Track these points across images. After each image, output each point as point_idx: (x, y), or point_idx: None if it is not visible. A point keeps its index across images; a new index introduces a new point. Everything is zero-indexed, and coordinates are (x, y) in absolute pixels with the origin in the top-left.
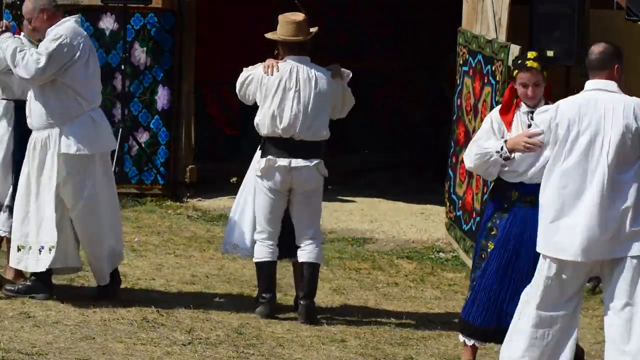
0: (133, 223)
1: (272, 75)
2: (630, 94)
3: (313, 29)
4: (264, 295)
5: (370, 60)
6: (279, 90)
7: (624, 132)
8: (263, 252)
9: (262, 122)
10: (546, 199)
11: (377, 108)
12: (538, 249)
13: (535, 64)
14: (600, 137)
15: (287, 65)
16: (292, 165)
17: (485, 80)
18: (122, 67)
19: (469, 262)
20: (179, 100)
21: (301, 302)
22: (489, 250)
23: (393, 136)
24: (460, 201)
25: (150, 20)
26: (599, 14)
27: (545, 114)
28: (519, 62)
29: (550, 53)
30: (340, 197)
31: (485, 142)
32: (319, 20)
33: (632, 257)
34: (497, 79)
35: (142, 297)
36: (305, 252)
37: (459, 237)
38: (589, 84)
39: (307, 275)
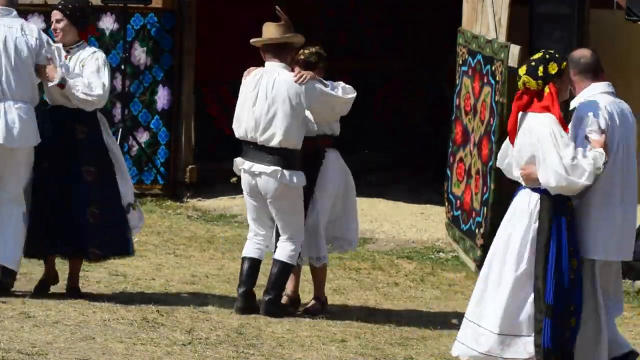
0: None
1: (245, 79)
2: (631, 94)
3: (288, 35)
4: (238, 289)
5: (370, 60)
6: (243, 93)
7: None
8: (248, 248)
9: (233, 125)
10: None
11: (377, 108)
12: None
13: None
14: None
15: (259, 70)
16: (253, 169)
17: (485, 80)
18: (122, 67)
19: (469, 262)
20: (179, 100)
21: (263, 296)
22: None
23: (393, 136)
24: (458, 201)
25: (150, 20)
26: (599, 14)
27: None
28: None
29: None
30: None
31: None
32: (319, 20)
33: None
34: (497, 79)
35: (142, 297)
36: (278, 250)
37: (458, 237)
38: (606, 86)
39: (274, 271)
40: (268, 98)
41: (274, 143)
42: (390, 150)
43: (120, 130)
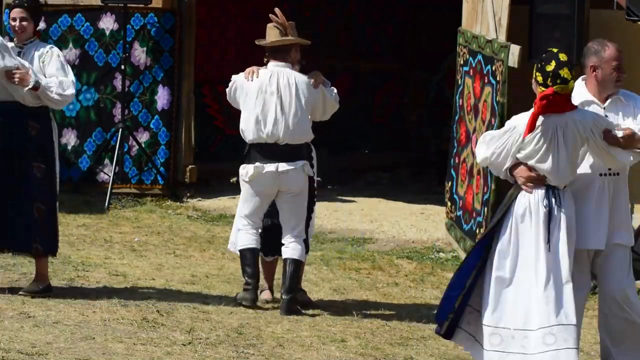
0: (133, 223)
1: (252, 81)
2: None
3: (292, 37)
4: (248, 281)
5: (370, 60)
6: (260, 95)
7: None
8: (247, 239)
9: (247, 128)
10: None
11: (377, 108)
12: None
13: None
14: None
15: (268, 71)
16: (280, 169)
17: (486, 80)
18: (122, 67)
19: None
20: (179, 100)
21: (283, 296)
22: None
23: (393, 136)
24: (461, 201)
25: (150, 20)
26: (599, 14)
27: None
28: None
29: None
30: (340, 197)
31: None
32: (319, 21)
33: None
34: (498, 79)
35: (142, 297)
36: (289, 249)
37: (459, 237)
38: None
39: (290, 271)
40: (293, 100)
41: (302, 141)
42: (390, 150)
43: (120, 130)
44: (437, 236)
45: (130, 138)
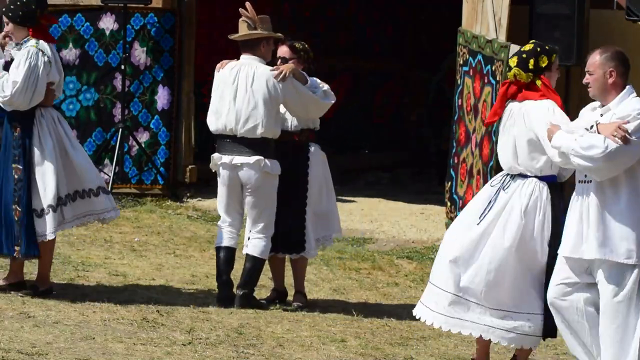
0: (133, 223)
1: (218, 72)
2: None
3: (260, 31)
4: (218, 279)
5: (370, 60)
6: (220, 86)
7: None
8: (221, 237)
9: (209, 119)
10: None
11: (377, 108)
12: None
13: None
14: None
15: (234, 64)
16: (234, 162)
17: (486, 80)
18: (122, 67)
19: None
20: (179, 100)
21: (237, 290)
22: None
23: (393, 136)
24: (461, 201)
25: (150, 20)
26: (599, 14)
27: None
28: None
29: None
30: (340, 197)
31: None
32: (319, 21)
33: None
34: (497, 79)
35: (142, 297)
36: (249, 246)
37: None
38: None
39: (247, 267)
40: (248, 91)
41: (256, 134)
42: (390, 150)
43: (120, 130)
44: (437, 236)
45: (130, 138)
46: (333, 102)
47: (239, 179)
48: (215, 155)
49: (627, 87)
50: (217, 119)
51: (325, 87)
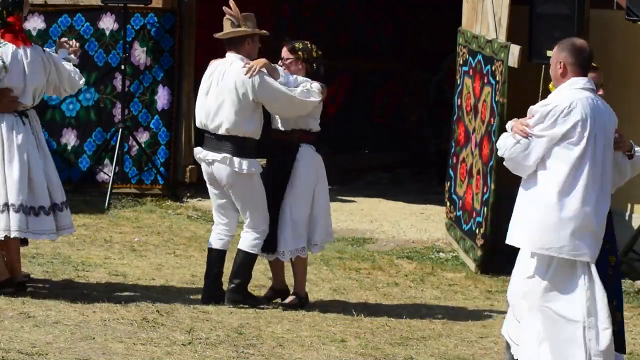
0: (133, 223)
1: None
2: (631, 93)
3: (243, 28)
4: (204, 278)
5: (370, 60)
6: (202, 84)
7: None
8: (211, 237)
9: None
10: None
11: (377, 108)
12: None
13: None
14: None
15: (218, 61)
16: (207, 157)
17: (485, 81)
18: (122, 67)
19: (469, 262)
20: (179, 100)
21: (228, 284)
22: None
23: (393, 136)
24: (460, 201)
25: (150, 20)
26: (599, 14)
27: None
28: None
29: (550, 53)
30: (340, 197)
31: None
32: (319, 21)
33: None
34: (497, 79)
35: (142, 297)
36: (241, 240)
37: (459, 237)
38: (587, 82)
39: (237, 261)
40: (218, 87)
41: (222, 131)
42: (390, 150)
43: (120, 130)
44: (437, 236)
45: (130, 138)
46: (316, 100)
47: (214, 174)
48: (196, 149)
49: (573, 78)
50: (197, 114)
51: (312, 85)
